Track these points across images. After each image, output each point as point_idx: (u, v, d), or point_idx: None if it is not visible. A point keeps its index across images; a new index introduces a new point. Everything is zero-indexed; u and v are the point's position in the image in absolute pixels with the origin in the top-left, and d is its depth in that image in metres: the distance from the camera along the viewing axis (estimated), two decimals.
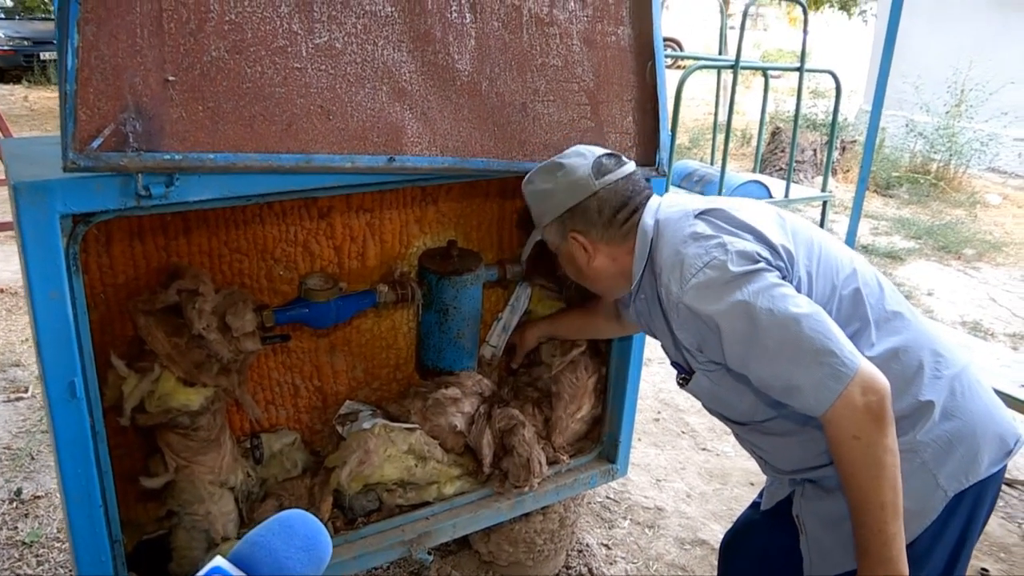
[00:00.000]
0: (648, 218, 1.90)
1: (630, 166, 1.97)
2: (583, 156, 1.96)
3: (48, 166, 1.72)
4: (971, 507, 1.81)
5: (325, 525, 2.43)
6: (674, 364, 2.02)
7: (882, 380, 1.56)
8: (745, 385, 1.81)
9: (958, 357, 1.87)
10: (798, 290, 1.69)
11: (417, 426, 2.63)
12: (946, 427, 1.77)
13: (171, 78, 1.73)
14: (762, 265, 1.67)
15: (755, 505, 2.23)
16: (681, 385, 1.99)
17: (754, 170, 7.32)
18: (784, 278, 1.69)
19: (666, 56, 2.54)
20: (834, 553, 1.84)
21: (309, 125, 1.89)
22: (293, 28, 1.86)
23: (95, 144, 1.65)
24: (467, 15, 2.09)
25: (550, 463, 2.76)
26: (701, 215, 1.82)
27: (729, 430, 2.12)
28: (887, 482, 1.54)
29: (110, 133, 1.67)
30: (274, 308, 2.35)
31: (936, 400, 1.76)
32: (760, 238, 1.74)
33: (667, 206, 1.93)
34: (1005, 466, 1.85)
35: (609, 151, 1.99)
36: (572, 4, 2.26)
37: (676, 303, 1.73)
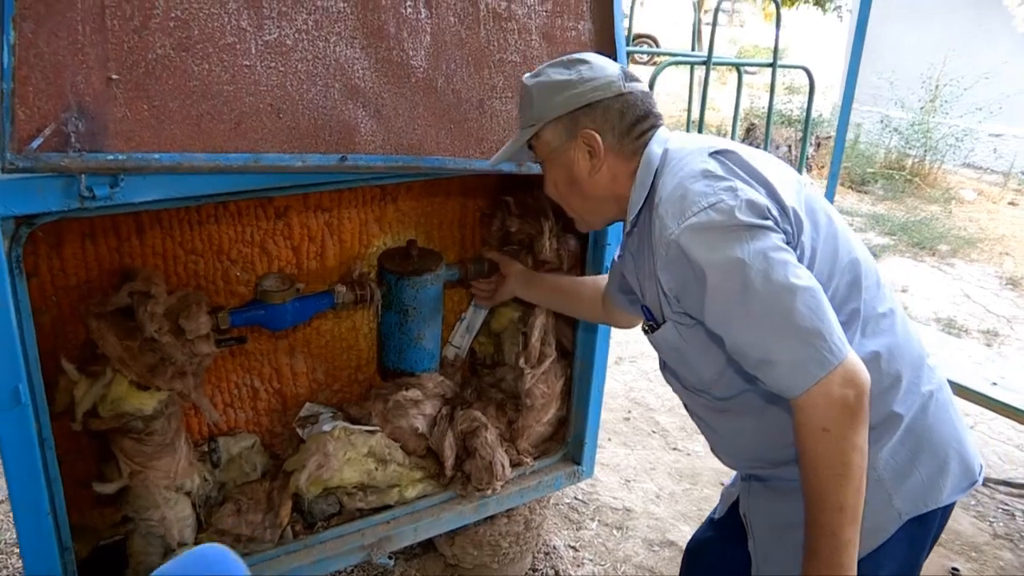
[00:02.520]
0: (655, 146, 1.75)
1: (646, 85, 1.81)
2: (606, 60, 1.79)
3: None
4: (926, 533, 1.73)
5: (284, 529, 2.44)
6: (644, 309, 1.85)
7: (865, 375, 1.46)
8: (718, 347, 1.66)
9: (936, 374, 1.77)
10: (799, 261, 1.54)
11: (378, 428, 2.60)
12: (909, 445, 1.67)
13: (115, 76, 1.69)
14: (769, 223, 1.52)
15: (710, 521, 2.15)
16: (646, 332, 1.85)
17: None
18: (788, 244, 1.54)
19: (642, 53, 2.52)
20: (780, 560, 1.77)
21: (258, 124, 1.85)
22: (242, 25, 1.82)
23: (34, 144, 1.61)
24: (422, 10, 2.05)
25: (514, 465, 2.73)
26: (716, 154, 1.64)
27: (686, 408, 1.99)
28: (851, 483, 1.44)
29: (51, 133, 1.63)
30: (229, 310, 2.32)
31: (905, 415, 1.67)
32: (772, 194, 1.58)
33: (677, 139, 1.77)
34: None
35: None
36: None
37: (669, 240, 1.55)
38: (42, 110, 1.62)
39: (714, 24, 5.91)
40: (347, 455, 2.51)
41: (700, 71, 7.70)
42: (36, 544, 1.92)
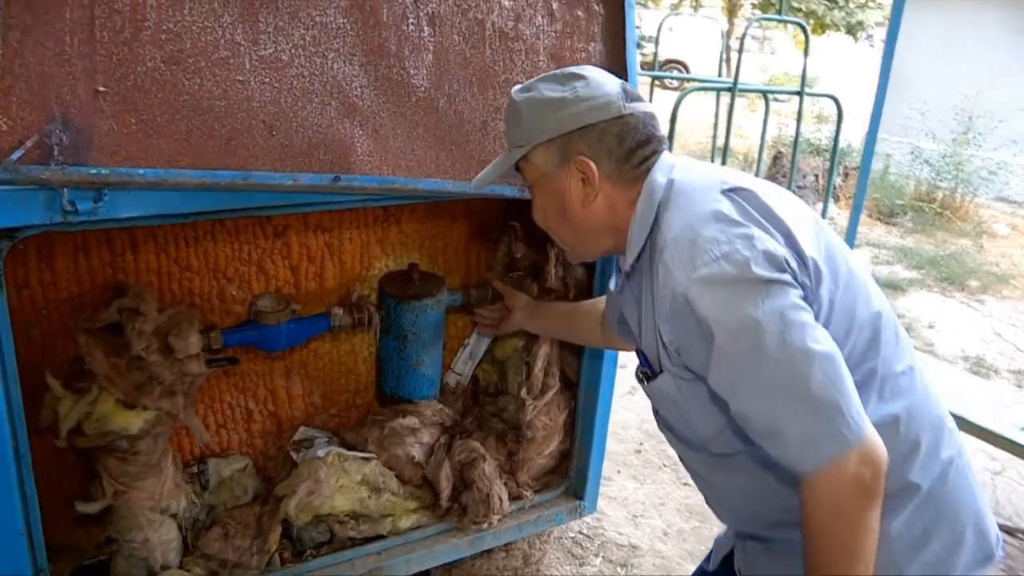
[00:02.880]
0: (659, 175, 1.57)
1: (650, 105, 1.63)
2: (605, 75, 1.61)
3: None
4: None
5: (272, 556, 2.38)
6: (639, 353, 1.69)
7: (882, 453, 1.33)
8: (719, 407, 1.52)
9: (956, 437, 1.63)
10: (816, 318, 1.40)
11: (373, 455, 2.53)
12: (926, 516, 1.52)
13: (102, 88, 1.65)
14: (787, 277, 1.37)
15: (702, 571, 1.99)
16: (640, 380, 1.70)
17: None
18: (805, 299, 1.40)
19: (671, 78, 2.45)
20: None
21: (250, 140, 1.80)
22: (236, 39, 1.77)
23: (15, 156, 1.56)
24: (425, 28, 2.00)
25: (513, 498, 2.65)
26: (729, 192, 1.48)
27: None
28: (859, 565, 1.32)
29: (33, 145, 1.58)
30: (222, 329, 2.26)
31: (923, 484, 1.52)
32: (791, 242, 1.43)
33: (684, 168, 1.59)
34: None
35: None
36: (540, 19, 2.17)
37: (675, 291, 1.40)
38: (25, 121, 1.58)
39: (740, 50, 5.85)
40: (340, 482, 2.45)
41: (727, 98, 7.62)
42: (10, 564, 1.88)
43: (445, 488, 2.54)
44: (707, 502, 1.83)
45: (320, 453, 2.50)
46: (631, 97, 1.59)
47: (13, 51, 1.56)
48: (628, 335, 2.00)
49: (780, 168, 9.36)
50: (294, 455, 2.59)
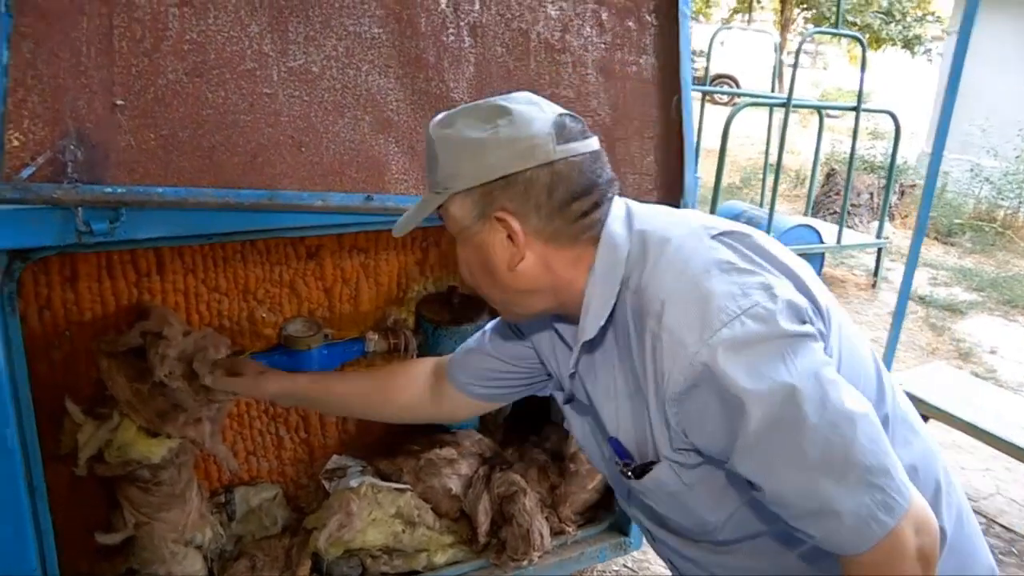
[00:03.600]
0: (616, 226, 1.34)
1: (595, 141, 1.36)
2: (537, 106, 1.33)
3: None
4: None
5: None
6: (612, 442, 1.44)
7: (932, 515, 1.19)
8: (736, 490, 1.34)
9: (955, 477, 1.50)
10: None
11: (408, 487, 2.42)
12: (951, 565, 1.39)
13: (120, 102, 1.56)
14: (812, 329, 1.21)
15: None
16: (625, 477, 1.43)
17: (806, 213, 7.05)
18: (825, 350, 1.24)
19: (721, 93, 2.30)
20: None
21: (277, 157, 1.70)
22: (264, 49, 1.67)
23: (26, 174, 1.47)
24: (466, 39, 1.88)
25: (555, 534, 2.52)
26: (720, 236, 1.30)
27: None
28: None
29: (45, 162, 1.49)
30: (251, 354, 2.16)
31: (948, 529, 1.39)
32: (801, 286, 1.27)
33: (648, 216, 1.38)
34: None
35: (570, 112, 1.37)
36: (588, 29, 2.04)
37: (689, 361, 1.18)
38: (37, 136, 1.49)
39: (795, 65, 5.69)
40: (372, 515, 2.34)
41: (779, 113, 7.45)
42: None
43: (483, 522, 2.41)
44: None
45: (353, 483, 2.39)
46: (567, 136, 1.30)
47: (25, 62, 1.47)
48: (489, 397, 1.79)
49: (833, 185, 9.11)
50: (326, 484, 2.49)
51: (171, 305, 2.17)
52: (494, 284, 1.40)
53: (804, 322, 1.20)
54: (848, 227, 6.44)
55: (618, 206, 1.37)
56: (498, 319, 1.72)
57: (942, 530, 1.30)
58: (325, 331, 2.24)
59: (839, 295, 6.64)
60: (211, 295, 2.23)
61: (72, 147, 1.51)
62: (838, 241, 6.23)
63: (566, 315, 1.46)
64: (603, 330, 1.36)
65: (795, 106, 5.70)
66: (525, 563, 2.41)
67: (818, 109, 6.61)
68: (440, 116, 1.36)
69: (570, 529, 2.58)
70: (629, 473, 1.41)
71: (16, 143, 1.47)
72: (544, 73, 2.00)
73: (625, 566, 3.37)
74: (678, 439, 1.29)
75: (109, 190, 1.53)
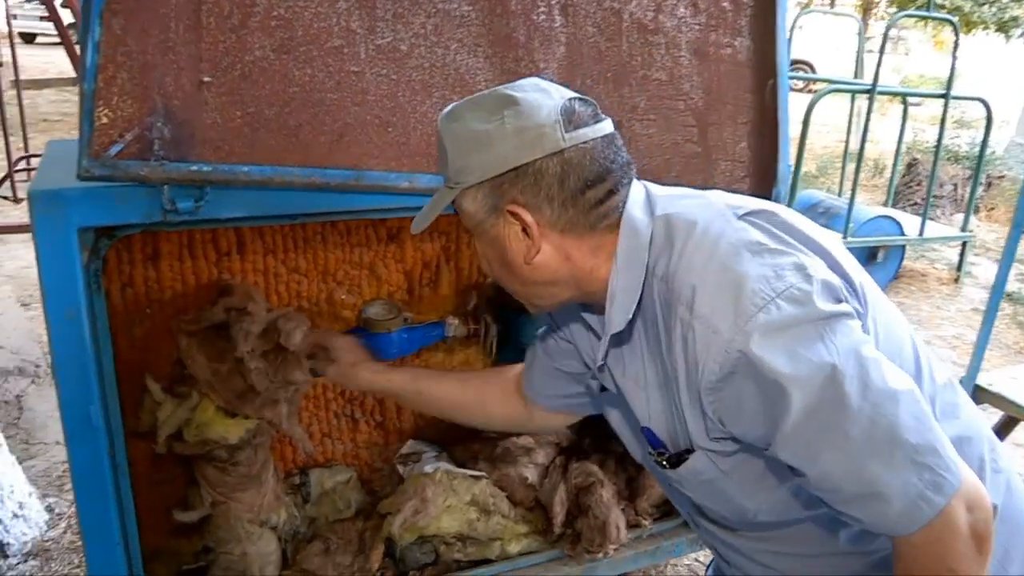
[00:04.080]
0: (637, 211, 1.30)
1: (609, 124, 1.31)
2: (546, 93, 1.28)
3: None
4: None
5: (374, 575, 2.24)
6: (646, 431, 1.41)
7: (984, 491, 1.15)
8: (777, 478, 1.30)
9: (1000, 447, 1.44)
10: None
11: (484, 475, 2.39)
12: (1003, 535, 1.29)
13: (207, 79, 1.54)
14: (848, 308, 1.17)
15: None
16: (660, 466, 1.40)
17: (886, 203, 6.86)
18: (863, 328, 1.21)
19: (797, 79, 2.20)
20: None
21: (364, 137, 1.67)
22: (351, 26, 1.64)
23: (114, 151, 1.46)
24: (557, 18, 1.82)
25: (630, 526, 2.46)
26: (748, 216, 1.26)
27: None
28: None
29: (132, 139, 1.48)
30: None
31: (997, 502, 1.29)
32: (834, 263, 1.24)
33: (669, 199, 1.34)
34: None
35: (581, 95, 1.32)
36: (682, 10, 1.97)
37: (725, 349, 1.15)
38: (125, 114, 1.48)
39: (882, 50, 5.52)
40: (447, 502, 2.31)
41: (860, 100, 7.23)
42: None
43: (559, 513, 2.37)
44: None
45: (428, 469, 2.37)
46: (576, 122, 1.26)
47: (116, 38, 1.46)
48: (568, 406, 1.76)
49: (915, 176, 8.85)
50: (401, 469, 2.47)
51: (249, 283, 2.16)
52: (514, 277, 1.37)
53: (840, 301, 1.17)
54: (930, 219, 6.23)
55: (637, 190, 1.33)
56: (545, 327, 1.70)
57: (992, 505, 1.24)
58: (405, 314, 2.21)
59: (919, 289, 6.45)
60: (290, 276, 2.22)
61: (159, 124, 1.50)
62: (920, 233, 6.04)
63: (592, 304, 1.42)
64: (633, 320, 1.33)
65: (880, 93, 5.53)
66: (600, 556, 2.36)
67: (903, 96, 6.40)
68: (448, 108, 1.32)
69: (646, 522, 2.52)
70: (664, 462, 1.38)
71: (105, 120, 1.46)
72: (636, 54, 1.94)
73: (696, 559, 3.31)
74: (715, 428, 1.26)
75: (195, 168, 1.52)
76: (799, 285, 1.14)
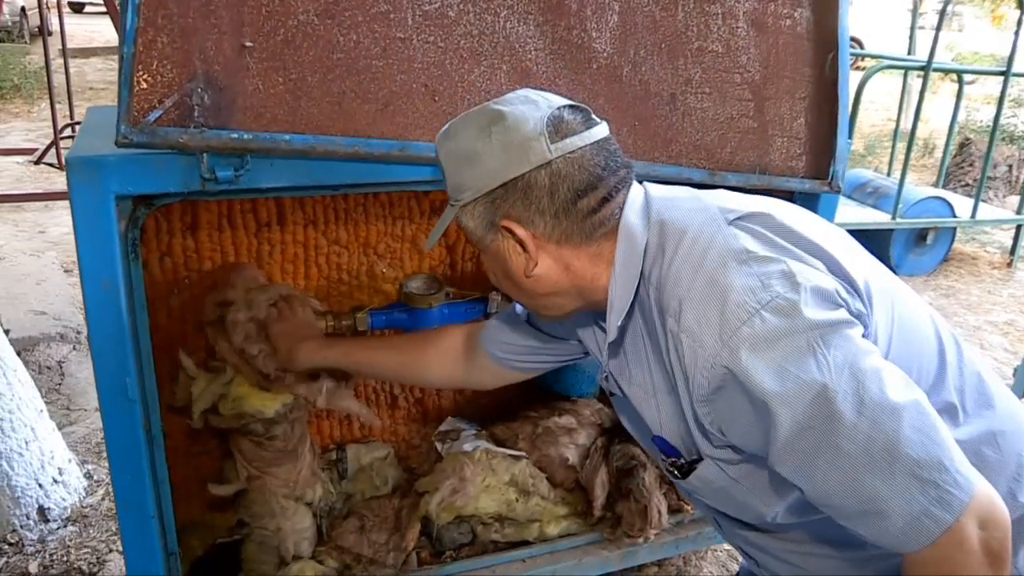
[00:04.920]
0: (633, 216, 1.27)
1: (602, 128, 1.28)
2: (533, 105, 1.26)
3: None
4: None
5: (409, 555, 2.21)
6: (658, 440, 1.38)
7: (1000, 506, 1.08)
8: (778, 487, 1.26)
9: None
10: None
11: (523, 454, 2.35)
12: None
13: (249, 44, 1.48)
14: (844, 314, 1.12)
15: None
16: (672, 476, 1.38)
17: (936, 184, 6.69)
18: (865, 333, 1.15)
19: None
20: None
21: (409, 106, 1.61)
22: None
23: (152, 117, 1.41)
24: None
25: (672, 511, 2.41)
26: (739, 221, 1.22)
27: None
28: None
29: (172, 105, 1.43)
30: (369, 310, 2.10)
31: None
32: (833, 265, 1.18)
33: (665, 202, 1.30)
34: None
35: (572, 102, 1.29)
36: None
37: (711, 364, 1.13)
38: (165, 79, 1.43)
39: (938, 27, 5.35)
40: (486, 481, 2.27)
41: (912, 78, 7.05)
42: (140, 547, 1.79)
43: (600, 496, 2.32)
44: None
45: (467, 447, 2.33)
46: (564, 131, 1.23)
47: (156, 1, 1.40)
48: (523, 362, 1.75)
49: (967, 156, 8.64)
50: (439, 446, 2.43)
51: (289, 257, 2.13)
52: (519, 291, 1.37)
53: (836, 306, 1.12)
54: (983, 201, 6.07)
55: (636, 193, 1.31)
56: None
57: None
58: (446, 289, 2.16)
59: (970, 273, 6.29)
60: (331, 248, 2.17)
61: (199, 90, 1.45)
62: (972, 215, 5.88)
63: (600, 312, 1.38)
64: (625, 328, 1.32)
65: (935, 70, 5.37)
66: (641, 540, 2.32)
67: (959, 73, 6.22)
68: (444, 128, 1.32)
69: (688, 507, 2.47)
70: (675, 472, 1.36)
71: (144, 85, 1.41)
72: (692, 24, 1.86)
73: None
74: (716, 438, 1.23)
75: (236, 136, 1.47)
76: (785, 295, 1.10)
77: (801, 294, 1.10)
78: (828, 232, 1.25)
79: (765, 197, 1.32)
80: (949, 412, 1.23)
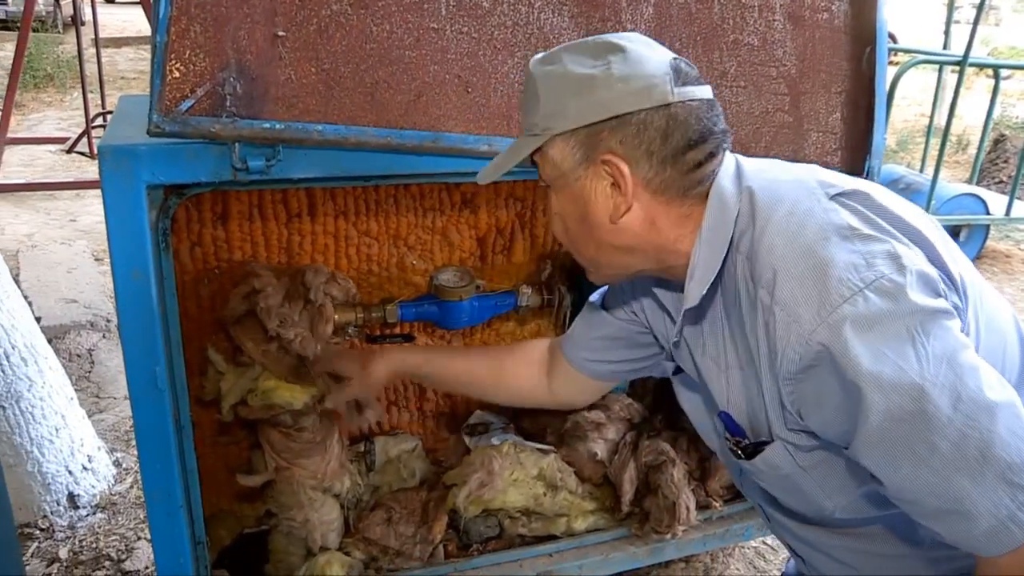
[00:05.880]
0: (727, 181, 1.22)
1: (709, 89, 1.24)
2: (651, 47, 1.21)
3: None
4: None
5: (436, 547, 2.20)
6: (724, 416, 1.33)
7: None
8: (857, 480, 1.21)
9: None
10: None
11: (552, 449, 2.33)
12: None
13: (281, 33, 1.48)
14: (946, 304, 1.06)
15: None
16: (734, 456, 1.33)
17: (970, 180, 6.59)
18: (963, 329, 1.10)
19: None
20: None
21: (442, 97, 1.60)
22: None
23: (184, 107, 1.41)
24: None
25: (700, 507, 2.38)
26: (840, 197, 1.16)
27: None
28: None
29: (204, 94, 1.43)
30: (399, 302, 2.09)
31: None
32: (933, 254, 1.12)
33: (758, 171, 1.25)
34: None
35: (683, 58, 1.23)
36: None
37: (806, 339, 1.06)
38: (198, 68, 1.43)
39: (976, 21, 5.28)
40: (514, 475, 2.25)
41: (946, 74, 6.95)
42: (167, 535, 1.78)
43: (628, 491, 2.30)
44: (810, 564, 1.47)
45: (495, 441, 2.32)
46: (684, 79, 1.18)
47: None
48: (608, 374, 1.68)
49: (1001, 152, 8.53)
50: (467, 439, 2.42)
51: (320, 248, 2.12)
52: (590, 238, 1.28)
53: (938, 295, 1.06)
54: (1018, 198, 5.98)
55: (728, 161, 1.24)
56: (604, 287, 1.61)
57: None
58: (477, 282, 2.15)
59: (1003, 271, 6.21)
60: (361, 239, 2.17)
61: (232, 80, 1.45)
62: (1007, 213, 5.80)
63: (668, 279, 1.34)
64: (709, 297, 1.25)
65: (972, 64, 5.30)
66: (669, 536, 2.29)
67: (995, 68, 6.12)
68: (542, 53, 1.24)
69: (717, 504, 2.45)
70: (739, 452, 1.30)
71: (177, 74, 1.41)
72: (728, 17, 1.84)
73: (764, 542, 3.23)
74: (792, 420, 1.17)
75: (268, 125, 1.47)
76: (891, 276, 1.04)
77: (907, 277, 1.04)
78: (925, 221, 1.19)
79: (854, 178, 1.26)
80: None
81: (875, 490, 1.17)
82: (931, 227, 1.18)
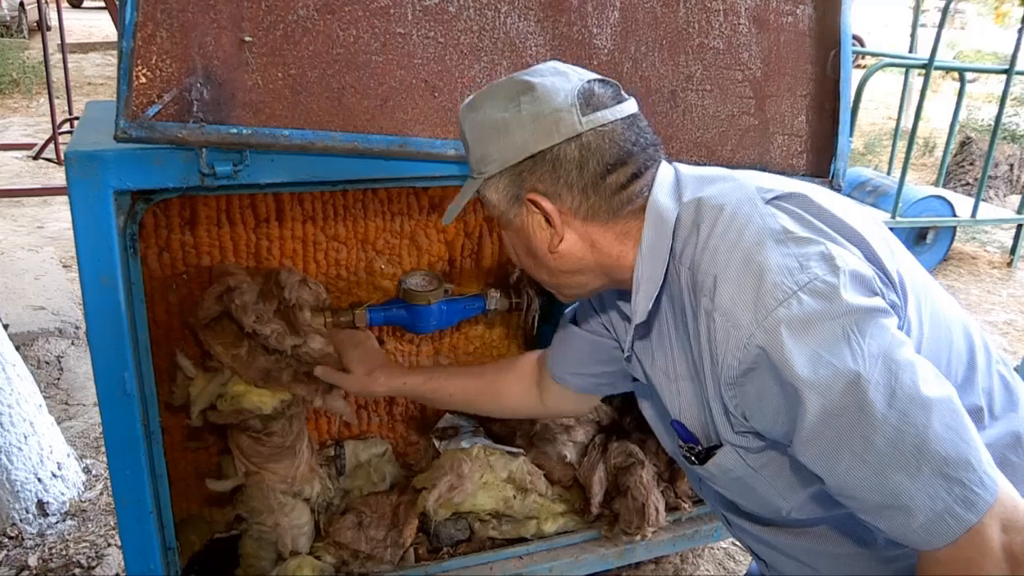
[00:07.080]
0: (662, 196, 1.25)
1: (631, 104, 1.26)
2: (563, 76, 1.25)
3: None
4: None
5: (407, 551, 2.21)
6: (676, 424, 1.36)
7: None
8: (803, 478, 1.24)
9: None
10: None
11: (522, 452, 2.34)
12: None
13: (248, 38, 1.48)
14: (881, 302, 1.09)
15: None
16: (688, 462, 1.36)
17: (937, 183, 6.68)
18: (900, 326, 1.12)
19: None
20: None
21: (409, 102, 1.61)
22: None
23: (151, 112, 1.41)
24: None
25: (670, 509, 2.40)
26: (776, 201, 1.19)
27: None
28: None
29: (171, 100, 1.43)
30: (368, 306, 2.09)
31: None
32: (870, 253, 1.15)
33: (698, 178, 1.28)
34: None
35: (602, 76, 1.28)
36: None
37: (744, 343, 1.09)
38: (164, 74, 1.43)
39: (941, 23, 5.34)
40: (484, 478, 2.26)
41: (913, 77, 7.04)
42: (137, 541, 1.78)
43: (597, 493, 2.32)
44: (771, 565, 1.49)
45: (465, 444, 2.32)
46: (595, 104, 1.22)
47: None
48: (592, 387, 1.72)
49: (967, 155, 8.63)
50: (437, 443, 2.42)
51: (288, 253, 2.12)
52: (541, 267, 1.35)
53: (873, 294, 1.09)
54: (984, 200, 6.06)
55: (665, 172, 1.29)
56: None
57: None
58: (445, 286, 2.15)
59: (969, 272, 6.29)
60: (329, 244, 2.16)
61: (199, 85, 1.45)
62: (973, 214, 5.88)
63: (624, 291, 1.37)
64: (656, 309, 1.29)
65: (938, 68, 5.36)
66: (638, 538, 2.31)
67: (961, 71, 6.21)
68: (469, 99, 1.29)
69: (686, 505, 2.46)
70: (694, 458, 1.34)
71: (143, 80, 1.41)
72: (693, 20, 1.86)
73: (733, 543, 3.25)
74: (739, 423, 1.20)
75: (235, 131, 1.47)
76: (824, 277, 1.07)
77: (840, 277, 1.07)
78: (865, 220, 1.22)
79: (797, 181, 1.29)
80: (976, 414, 1.21)
81: (822, 489, 1.18)
82: (871, 225, 1.21)
